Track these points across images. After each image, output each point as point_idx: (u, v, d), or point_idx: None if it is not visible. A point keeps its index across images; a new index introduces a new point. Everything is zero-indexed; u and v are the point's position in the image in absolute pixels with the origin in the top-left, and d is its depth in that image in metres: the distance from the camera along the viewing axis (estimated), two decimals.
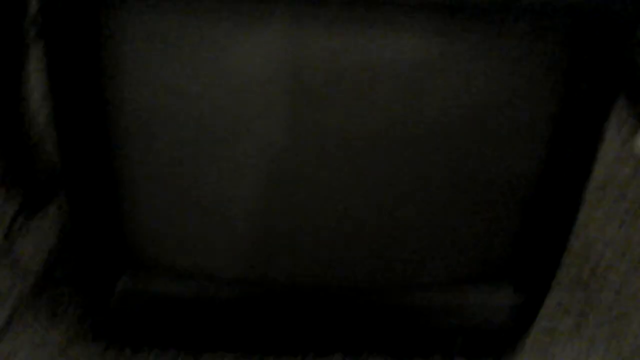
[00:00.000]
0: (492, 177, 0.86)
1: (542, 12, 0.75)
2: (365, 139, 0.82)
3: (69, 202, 0.87)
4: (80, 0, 0.73)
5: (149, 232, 0.91)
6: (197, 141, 0.83)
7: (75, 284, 1.07)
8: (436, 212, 0.89)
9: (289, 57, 0.77)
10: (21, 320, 1.06)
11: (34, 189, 1.18)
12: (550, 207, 0.88)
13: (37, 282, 1.10)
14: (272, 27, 0.75)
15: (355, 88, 0.79)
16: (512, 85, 0.79)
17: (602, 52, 0.76)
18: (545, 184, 0.86)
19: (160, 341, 1.03)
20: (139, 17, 0.75)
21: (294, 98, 0.80)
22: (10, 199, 1.17)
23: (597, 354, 1.06)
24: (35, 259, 1.13)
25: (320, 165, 0.85)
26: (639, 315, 1.10)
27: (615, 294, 1.12)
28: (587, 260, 1.16)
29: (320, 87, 0.79)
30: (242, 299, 0.97)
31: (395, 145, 0.83)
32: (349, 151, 0.83)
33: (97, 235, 0.91)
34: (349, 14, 0.74)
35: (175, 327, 1.00)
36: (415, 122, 0.81)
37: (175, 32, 0.76)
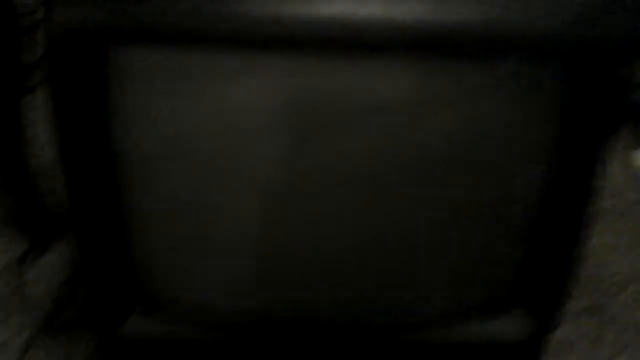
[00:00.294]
0: (493, 206, 0.87)
1: (535, 55, 0.76)
2: (366, 175, 0.83)
3: (76, 244, 0.88)
4: (85, 45, 0.74)
5: (156, 272, 0.92)
6: (201, 183, 0.84)
7: (85, 322, 1.06)
8: (438, 246, 0.89)
9: (286, 99, 0.78)
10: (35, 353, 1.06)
11: (43, 226, 1.18)
12: (555, 231, 0.88)
13: (47, 320, 1.11)
14: (271, 71, 0.77)
15: (353, 125, 0.80)
16: (509, 118, 0.80)
17: (599, 89, 0.76)
18: (549, 208, 0.86)
19: None
20: (143, 61, 0.76)
21: (293, 139, 0.80)
22: (19, 237, 1.18)
23: None
24: (46, 297, 1.13)
25: (320, 204, 0.85)
26: None
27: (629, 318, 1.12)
28: (600, 286, 1.15)
29: (319, 126, 0.80)
30: (249, 337, 0.97)
31: (395, 178, 0.83)
32: (349, 188, 0.84)
33: (104, 276, 0.91)
34: (344, 57, 0.76)
35: None
36: (414, 156, 0.82)
37: (178, 76, 0.77)
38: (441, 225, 0.87)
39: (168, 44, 0.75)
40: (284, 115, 0.79)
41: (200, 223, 0.87)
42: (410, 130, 0.80)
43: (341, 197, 0.85)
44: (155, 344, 0.99)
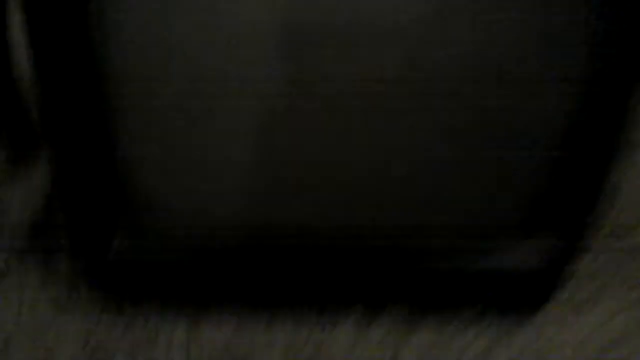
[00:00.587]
0: (522, 121, 0.84)
1: None
2: (383, 82, 0.80)
3: (54, 158, 0.84)
4: None
5: (146, 180, 0.89)
6: (195, 85, 0.80)
7: (66, 248, 1.00)
8: (460, 160, 0.87)
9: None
10: (12, 277, 1.02)
11: (22, 137, 1.12)
12: (586, 153, 0.85)
13: (27, 236, 1.06)
14: None
15: (364, 33, 0.76)
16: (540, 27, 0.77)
17: None
18: (581, 127, 0.83)
19: (162, 295, 1.00)
20: None
21: (294, 45, 0.77)
22: None
23: (619, 321, 1.02)
24: (24, 212, 1.09)
25: (328, 111, 0.82)
26: None
27: None
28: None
29: (324, 36, 0.77)
30: (249, 247, 0.94)
31: (412, 87, 0.80)
32: (364, 94, 0.80)
33: (85, 194, 0.88)
34: None
35: (178, 281, 0.98)
36: (435, 67, 0.79)
37: None
38: (464, 138, 0.85)
39: None
40: (287, 24, 0.76)
41: (195, 126, 0.84)
42: (434, 37, 0.77)
43: (352, 103, 0.81)
44: (145, 262, 0.95)
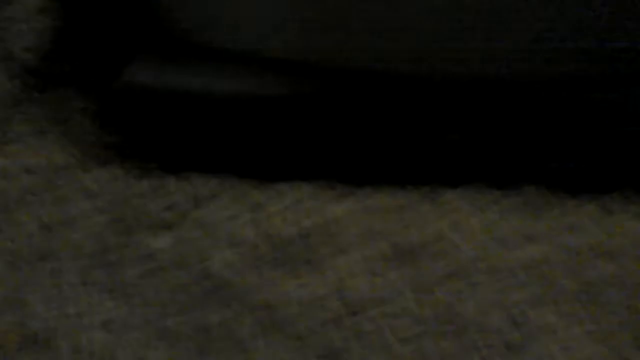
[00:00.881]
0: None
1: None
2: None
3: None
4: None
5: None
6: None
7: (77, 76, 0.91)
8: None
9: None
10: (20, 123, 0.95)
11: None
12: None
13: (32, 77, 0.98)
14: None
15: None
16: None
17: None
18: None
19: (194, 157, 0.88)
20: None
21: None
22: None
23: None
24: (31, 52, 1.00)
25: None
26: None
27: None
28: None
29: None
30: (298, 97, 0.80)
31: None
32: None
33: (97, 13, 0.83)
34: None
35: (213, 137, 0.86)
36: None
37: None
38: None
39: None
40: None
41: None
42: None
43: None
44: (167, 103, 0.83)
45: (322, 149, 0.83)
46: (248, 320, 0.79)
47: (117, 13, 0.80)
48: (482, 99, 0.80)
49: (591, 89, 0.80)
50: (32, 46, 0.98)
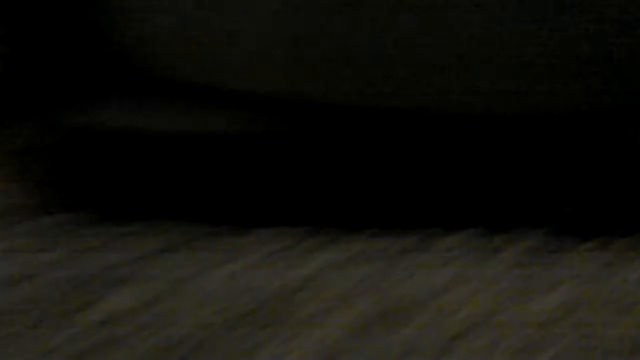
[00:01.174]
0: None
1: None
2: None
3: None
4: None
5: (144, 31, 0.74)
6: None
7: (22, 109, 0.82)
8: None
9: None
10: None
11: None
12: None
13: None
14: None
15: None
16: None
17: None
18: None
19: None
20: None
21: None
22: None
23: None
24: None
25: None
26: None
27: None
28: None
29: None
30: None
31: None
32: None
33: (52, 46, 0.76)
34: None
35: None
36: None
37: None
38: None
39: None
40: None
41: None
42: None
43: None
44: (132, 139, 0.76)
45: (301, 190, 0.76)
46: None
47: (77, 49, 0.75)
48: (482, 136, 0.72)
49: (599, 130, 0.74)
50: None
